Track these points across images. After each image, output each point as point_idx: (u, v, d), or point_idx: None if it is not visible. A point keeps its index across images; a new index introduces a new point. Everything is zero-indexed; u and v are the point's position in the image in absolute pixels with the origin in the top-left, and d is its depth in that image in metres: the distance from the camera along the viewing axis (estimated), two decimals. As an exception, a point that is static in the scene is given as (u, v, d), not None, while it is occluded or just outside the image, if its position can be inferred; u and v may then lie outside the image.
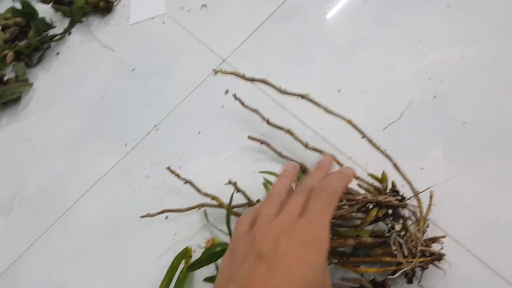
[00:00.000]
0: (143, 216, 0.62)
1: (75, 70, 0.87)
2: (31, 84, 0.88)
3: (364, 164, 0.58)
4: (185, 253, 0.58)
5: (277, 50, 0.72)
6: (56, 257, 0.68)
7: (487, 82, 0.58)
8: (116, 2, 0.92)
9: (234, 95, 0.64)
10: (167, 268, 0.58)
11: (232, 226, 0.55)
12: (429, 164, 0.56)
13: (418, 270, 0.48)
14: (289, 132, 0.59)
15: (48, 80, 0.88)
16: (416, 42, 0.64)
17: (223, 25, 0.79)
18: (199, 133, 0.69)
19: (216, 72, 0.58)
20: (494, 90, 0.58)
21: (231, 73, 0.57)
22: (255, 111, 0.63)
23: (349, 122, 0.53)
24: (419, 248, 0.46)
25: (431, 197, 0.50)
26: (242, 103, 0.63)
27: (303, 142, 0.58)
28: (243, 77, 0.57)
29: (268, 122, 0.61)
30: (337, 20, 0.71)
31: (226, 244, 0.55)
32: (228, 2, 0.81)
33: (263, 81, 0.56)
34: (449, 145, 0.56)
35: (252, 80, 0.56)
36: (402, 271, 0.46)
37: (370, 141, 0.52)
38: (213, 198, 0.60)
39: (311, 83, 0.67)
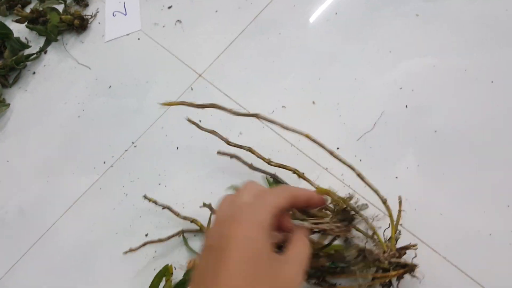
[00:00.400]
0: (126, 252, 0.62)
1: (52, 89, 0.86)
2: (8, 105, 0.87)
3: (341, 175, 0.59)
4: (166, 271, 0.58)
5: (252, 63, 0.73)
6: (36, 280, 0.67)
7: (457, 90, 0.60)
8: (91, 20, 0.92)
9: (188, 119, 0.63)
10: (148, 286, 0.58)
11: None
12: (403, 172, 0.57)
13: (394, 280, 0.48)
14: (250, 150, 0.59)
15: (25, 100, 0.88)
16: (386, 53, 0.65)
17: (198, 40, 0.79)
18: (177, 149, 0.69)
19: (163, 104, 0.58)
20: (464, 98, 0.59)
21: (179, 104, 0.57)
22: (213, 132, 0.62)
23: (307, 136, 0.53)
24: (393, 260, 0.46)
25: (400, 202, 0.51)
26: (199, 126, 0.62)
27: (266, 159, 0.58)
28: (191, 105, 0.56)
29: (228, 142, 0.60)
30: (310, 33, 0.72)
31: None
32: (202, 17, 0.82)
33: (213, 106, 0.55)
34: (422, 153, 0.57)
35: (202, 106, 0.56)
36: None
37: (331, 153, 0.51)
38: (192, 221, 0.60)
39: (287, 95, 0.67)
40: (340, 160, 0.51)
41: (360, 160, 0.58)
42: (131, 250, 0.61)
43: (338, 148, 0.59)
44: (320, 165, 0.60)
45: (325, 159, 0.61)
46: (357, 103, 0.63)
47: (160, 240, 0.60)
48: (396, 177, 0.56)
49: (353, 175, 0.54)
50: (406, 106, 0.60)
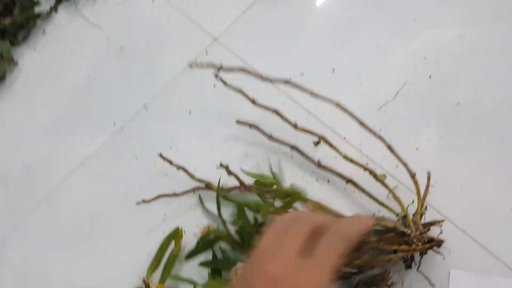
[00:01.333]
0: (138, 203, 0.61)
1: (62, 49, 0.84)
2: (16, 63, 0.85)
3: (359, 145, 0.57)
4: (176, 234, 0.57)
5: (270, 29, 0.70)
6: (40, 238, 0.66)
7: (482, 62, 0.58)
8: (104, -20, 0.89)
9: (215, 75, 0.61)
10: (156, 249, 0.57)
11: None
12: (424, 144, 0.55)
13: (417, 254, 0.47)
14: (276, 112, 0.57)
15: (34, 59, 0.85)
16: (411, 22, 0.63)
17: (214, 3, 0.76)
18: (190, 113, 0.68)
19: (191, 66, 0.56)
20: (490, 70, 0.57)
21: (207, 66, 0.55)
22: (239, 91, 0.60)
23: (337, 104, 0.52)
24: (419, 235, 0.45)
25: (428, 178, 0.49)
26: (225, 83, 0.61)
27: (292, 123, 0.56)
28: (220, 67, 0.55)
29: (253, 102, 0.59)
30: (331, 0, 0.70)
31: (220, 232, 0.54)
32: (219, -20, 0.79)
33: (243, 70, 0.54)
34: (444, 125, 0.56)
35: (230, 69, 0.55)
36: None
37: (361, 123, 0.51)
38: (207, 184, 0.59)
39: (306, 63, 0.65)
40: (370, 130, 0.50)
41: (380, 130, 0.57)
42: (144, 202, 0.60)
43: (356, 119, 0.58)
44: (338, 133, 0.59)
45: (343, 128, 0.59)
46: (379, 72, 0.61)
47: (174, 195, 0.59)
48: (417, 149, 0.55)
49: (372, 144, 0.53)
50: (430, 76, 0.58)
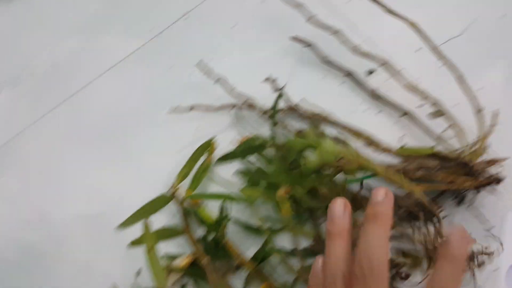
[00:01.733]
0: (170, 112, 0.58)
1: None
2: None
3: (417, 79, 0.53)
4: (208, 145, 0.54)
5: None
6: (62, 137, 0.63)
7: None
8: None
9: None
10: (185, 161, 0.54)
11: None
12: (487, 86, 0.52)
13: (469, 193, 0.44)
14: (337, 32, 0.54)
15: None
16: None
17: None
18: (233, 26, 0.63)
19: None
20: None
21: None
22: (299, 5, 0.56)
23: (412, 24, 0.48)
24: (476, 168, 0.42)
25: (495, 115, 0.46)
26: None
27: (351, 45, 0.53)
28: None
29: (312, 19, 0.55)
30: None
31: (267, 140, 0.51)
32: None
33: None
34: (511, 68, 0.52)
35: None
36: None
37: (435, 48, 0.47)
38: (246, 100, 0.55)
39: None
40: (441, 56, 0.46)
41: (441, 66, 0.53)
42: (177, 111, 0.57)
43: (420, 49, 0.53)
44: (395, 64, 0.54)
45: (400, 59, 0.55)
46: (448, 4, 0.56)
47: (209, 108, 0.56)
48: (480, 89, 0.51)
49: (431, 78, 0.50)
50: (504, 15, 0.54)
